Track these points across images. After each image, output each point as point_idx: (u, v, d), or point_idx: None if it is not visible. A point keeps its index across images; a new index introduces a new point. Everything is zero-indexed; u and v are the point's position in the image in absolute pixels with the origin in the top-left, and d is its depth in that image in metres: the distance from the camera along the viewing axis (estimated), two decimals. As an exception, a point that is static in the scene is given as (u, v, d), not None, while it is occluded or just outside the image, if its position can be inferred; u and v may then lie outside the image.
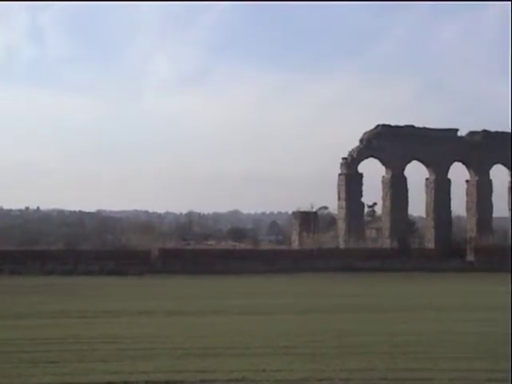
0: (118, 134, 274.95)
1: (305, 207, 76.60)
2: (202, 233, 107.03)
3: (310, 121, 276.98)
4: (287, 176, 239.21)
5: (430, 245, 67.04)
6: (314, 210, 78.96)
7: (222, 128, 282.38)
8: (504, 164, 71.48)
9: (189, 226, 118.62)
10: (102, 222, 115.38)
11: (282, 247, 70.86)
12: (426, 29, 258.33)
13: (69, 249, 56.72)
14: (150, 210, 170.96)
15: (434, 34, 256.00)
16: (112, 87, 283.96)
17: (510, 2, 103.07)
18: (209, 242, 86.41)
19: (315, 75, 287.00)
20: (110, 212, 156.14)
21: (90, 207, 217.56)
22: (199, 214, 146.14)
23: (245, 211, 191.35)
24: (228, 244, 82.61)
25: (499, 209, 72.01)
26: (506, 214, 72.94)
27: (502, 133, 70.88)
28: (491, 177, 70.89)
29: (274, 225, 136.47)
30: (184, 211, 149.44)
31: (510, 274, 46.14)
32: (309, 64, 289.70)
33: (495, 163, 71.12)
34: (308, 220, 74.22)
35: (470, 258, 60.56)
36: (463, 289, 40.00)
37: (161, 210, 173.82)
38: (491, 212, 70.65)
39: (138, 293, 35.75)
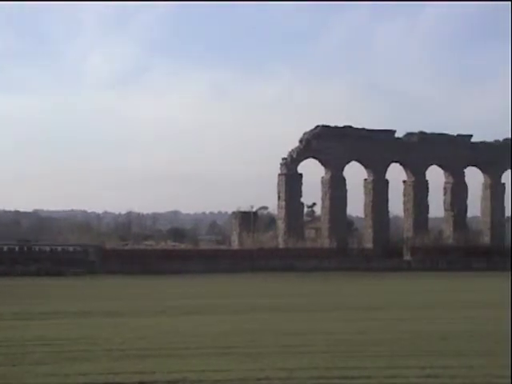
0: (55, 133, 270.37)
1: (245, 207, 76.85)
2: (141, 233, 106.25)
3: (251, 120, 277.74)
4: (227, 176, 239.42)
5: (369, 244, 68.01)
6: (253, 210, 79.26)
7: (162, 127, 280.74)
8: (439, 165, 73.01)
9: (128, 226, 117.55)
10: (39, 221, 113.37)
11: (222, 247, 70.85)
12: (364, 30, 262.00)
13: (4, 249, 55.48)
14: (89, 210, 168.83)
15: (373, 35, 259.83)
16: (49, 86, 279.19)
17: (509, 2, 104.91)
18: (148, 242, 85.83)
19: (255, 75, 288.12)
20: (47, 212, 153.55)
21: (26, 207, 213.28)
22: (138, 214, 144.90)
23: (184, 211, 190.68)
24: (168, 244, 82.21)
25: (434, 209, 73.70)
26: (441, 214, 74.54)
27: (438, 134, 72.41)
28: (427, 177, 72.40)
29: (214, 225, 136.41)
30: (123, 211, 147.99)
31: (455, 273, 47.22)
32: (248, 64, 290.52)
33: (431, 164, 72.60)
34: (248, 220, 74.45)
35: (407, 257, 61.66)
36: (400, 288, 40.64)
37: (99, 210, 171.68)
38: (427, 212, 72.10)
39: (76, 294, 35.26)
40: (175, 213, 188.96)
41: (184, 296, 33.64)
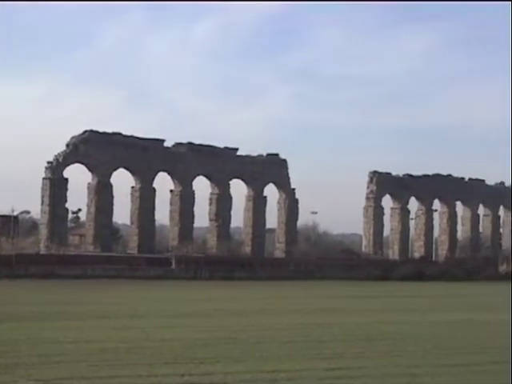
0: None
1: (5, 211, 73.25)
2: None
3: (14, 120, 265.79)
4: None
5: (134, 252, 67.84)
6: (14, 214, 75.81)
7: None
8: (206, 176, 74.75)
9: None
10: None
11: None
12: (138, 37, 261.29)
13: None
14: None
15: (147, 43, 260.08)
16: None
17: (509, 2, 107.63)
18: None
19: (20, 74, 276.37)
20: None
21: None
22: None
23: None
24: None
25: (200, 219, 75.33)
26: (206, 223, 76.33)
27: (206, 146, 74.16)
28: (194, 188, 73.85)
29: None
30: None
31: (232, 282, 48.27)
32: (13, 62, 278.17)
33: (198, 175, 74.16)
34: (8, 224, 70.98)
35: (172, 265, 62.25)
36: (164, 296, 40.92)
37: None
38: (193, 222, 73.55)
39: None
40: None
41: None
